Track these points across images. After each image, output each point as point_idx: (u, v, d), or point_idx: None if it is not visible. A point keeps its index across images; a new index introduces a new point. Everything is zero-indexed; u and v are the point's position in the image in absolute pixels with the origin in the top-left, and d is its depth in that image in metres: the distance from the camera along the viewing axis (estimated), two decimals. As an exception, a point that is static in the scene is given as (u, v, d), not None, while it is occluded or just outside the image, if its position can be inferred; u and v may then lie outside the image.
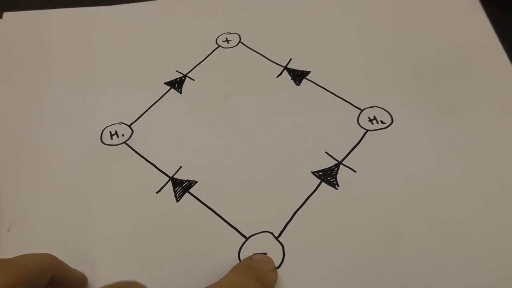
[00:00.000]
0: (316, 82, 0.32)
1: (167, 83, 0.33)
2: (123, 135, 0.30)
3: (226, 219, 0.26)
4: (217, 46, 0.35)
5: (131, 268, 0.25)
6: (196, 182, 0.28)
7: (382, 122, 0.30)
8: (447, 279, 0.23)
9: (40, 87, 0.33)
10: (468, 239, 0.24)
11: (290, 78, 0.32)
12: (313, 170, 0.28)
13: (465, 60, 0.33)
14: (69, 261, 0.22)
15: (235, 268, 0.23)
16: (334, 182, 0.27)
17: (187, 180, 0.28)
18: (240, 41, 0.35)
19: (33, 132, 0.31)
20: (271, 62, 0.33)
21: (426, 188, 0.27)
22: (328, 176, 0.27)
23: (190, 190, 0.27)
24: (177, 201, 0.27)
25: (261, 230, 0.26)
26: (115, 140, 0.30)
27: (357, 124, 0.30)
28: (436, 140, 0.28)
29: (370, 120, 0.30)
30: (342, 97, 0.31)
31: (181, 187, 0.27)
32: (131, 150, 0.29)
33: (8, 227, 0.27)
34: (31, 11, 0.38)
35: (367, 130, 0.29)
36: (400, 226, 0.25)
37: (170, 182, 0.28)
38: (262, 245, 0.25)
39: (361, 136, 0.29)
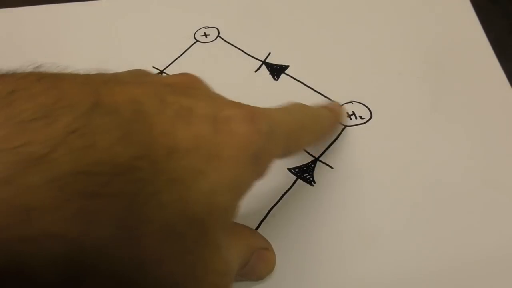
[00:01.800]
0: (294, 77, 0.31)
1: (143, 79, 0.32)
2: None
3: (199, 217, 0.26)
4: (195, 40, 0.34)
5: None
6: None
7: (360, 117, 0.29)
8: (430, 274, 0.23)
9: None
10: (447, 237, 0.24)
11: (269, 72, 0.32)
12: (289, 167, 0.27)
13: (448, 53, 0.32)
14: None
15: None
16: (311, 178, 0.27)
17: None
18: (218, 35, 0.34)
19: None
20: (250, 57, 0.33)
21: (404, 184, 0.26)
22: (304, 172, 0.27)
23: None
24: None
25: (236, 228, 0.25)
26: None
27: (335, 120, 0.29)
28: (415, 136, 0.28)
29: (349, 116, 0.29)
30: (321, 92, 0.30)
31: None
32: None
33: None
34: (7, 8, 0.38)
35: (345, 126, 0.29)
36: (377, 223, 0.25)
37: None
38: (236, 243, 0.25)
39: (339, 132, 0.29)
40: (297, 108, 0.24)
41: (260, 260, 0.22)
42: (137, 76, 0.20)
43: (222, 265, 0.18)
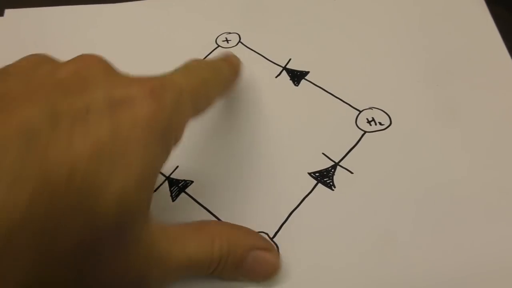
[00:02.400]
0: (315, 83, 0.32)
1: (166, 83, 0.33)
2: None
3: (221, 219, 0.26)
4: (217, 46, 0.35)
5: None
6: (192, 182, 0.28)
7: (380, 123, 0.29)
8: (446, 281, 0.23)
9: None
10: (467, 244, 0.24)
11: (289, 78, 0.32)
12: (309, 171, 0.28)
13: (468, 61, 0.32)
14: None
15: None
16: (331, 183, 0.27)
17: (183, 180, 0.28)
18: (239, 41, 0.35)
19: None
20: (270, 62, 0.33)
21: (424, 190, 0.26)
22: (324, 177, 0.27)
23: (186, 190, 0.27)
24: (173, 200, 0.27)
25: (256, 231, 0.25)
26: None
27: (355, 126, 0.29)
28: (435, 143, 0.28)
29: (368, 122, 0.30)
30: (341, 98, 0.31)
31: (177, 186, 0.27)
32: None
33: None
34: (33, 8, 0.38)
35: (365, 132, 0.29)
36: (397, 229, 0.25)
37: (167, 181, 0.28)
38: (257, 245, 0.25)
39: (358, 138, 0.29)
40: (196, 65, 0.24)
41: (258, 260, 0.23)
42: (29, 73, 0.18)
43: (153, 257, 0.19)
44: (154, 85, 0.18)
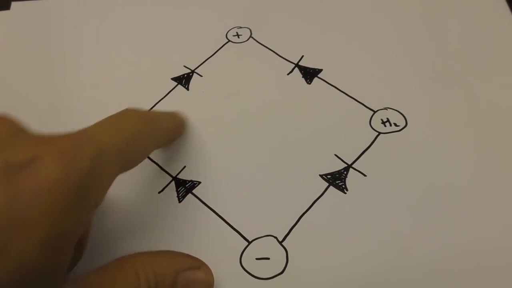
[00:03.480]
0: (328, 81, 0.31)
1: (174, 79, 0.32)
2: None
3: (228, 221, 0.25)
4: (227, 40, 0.34)
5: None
6: (199, 182, 0.27)
7: (395, 124, 0.28)
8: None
9: (52, 80, 0.33)
10: (487, 246, 0.24)
11: (302, 76, 0.31)
12: (321, 173, 0.27)
13: (486, 62, 0.31)
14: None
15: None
16: (343, 186, 0.26)
17: (191, 181, 0.27)
18: (251, 36, 0.34)
19: (46, 125, 0.30)
20: (282, 59, 0.32)
21: (439, 194, 0.25)
22: (336, 179, 0.26)
23: (193, 191, 0.26)
24: (180, 201, 0.26)
25: (265, 234, 0.25)
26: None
27: (369, 126, 0.28)
28: (452, 145, 0.27)
29: (383, 123, 0.29)
30: (355, 98, 0.30)
31: (184, 187, 0.27)
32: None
33: None
34: (39, 1, 0.38)
35: (379, 133, 0.28)
36: (410, 233, 0.24)
37: (173, 182, 0.27)
38: (265, 249, 0.24)
39: (372, 139, 0.28)
40: (128, 117, 0.22)
41: (189, 281, 0.21)
42: None
43: None
44: (64, 146, 0.17)
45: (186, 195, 0.26)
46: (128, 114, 0.22)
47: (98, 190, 0.19)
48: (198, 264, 0.22)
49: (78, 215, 0.18)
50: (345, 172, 0.27)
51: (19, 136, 0.18)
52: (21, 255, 0.16)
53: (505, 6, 0.34)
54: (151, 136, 0.24)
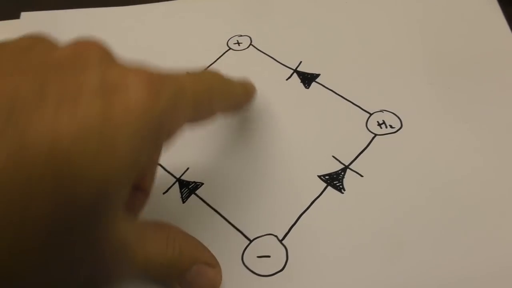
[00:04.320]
0: (325, 85, 0.32)
1: (177, 85, 0.33)
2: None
3: (230, 221, 0.26)
4: (228, 48, 0.35)
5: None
6: (202, 183, 0.28)
7: (391, 126, 0.29)
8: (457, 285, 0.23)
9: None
10: (480, 247, 0.24)
11: (300, 81, 0.32)
12: (319, 174, 0.28)
13: (480, 63, 0.32)
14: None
15: None
16: (340, 186, 0.27)
17: (194, 182, 0.28)
18: (251, 44, 0.35)
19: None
20: (281, 65, 0.33)
21: (436, 194, 0.26)
22: (334, 180, 0.27)
23: (196, 192, 0.27)
24: (183, 202, 0.27)
25: (266, 233, 0.26)
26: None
27: (366, 128, 0.29)
28: (447, 146, 0.28)
29: (379, 124, 0.29)
30: (351, 101, 0.31)
31: (188, 188, 0.28)
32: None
33: None
34: (49, 11, 0.39)
35: (375, 135, 0.29)
36: (407, 233, 0.25)
37: (177, 183, 0.28)
38: (266, 247, 0.25)
39: (369, 141, 0.29)
40: (207, 73, 0.24)
41: (201, 275, 0.22)
42: (25, 49, 0.18)
43: (118, 255, 0.18)
44: (153, 76, 0.18)
45: (189, 196, 0.27)
46: (207, 72, 0.24)
47: (175, 125, 0.19)
48: (215, 263, 0.23)
49: (155, 145, 0.18)
50: (342, 173, 0.28)
51: (112, 60, 0.18)
52: (104, 175, 0.15)
53: (498, 9, 0.35)
54: (222, 96, 0.24)
